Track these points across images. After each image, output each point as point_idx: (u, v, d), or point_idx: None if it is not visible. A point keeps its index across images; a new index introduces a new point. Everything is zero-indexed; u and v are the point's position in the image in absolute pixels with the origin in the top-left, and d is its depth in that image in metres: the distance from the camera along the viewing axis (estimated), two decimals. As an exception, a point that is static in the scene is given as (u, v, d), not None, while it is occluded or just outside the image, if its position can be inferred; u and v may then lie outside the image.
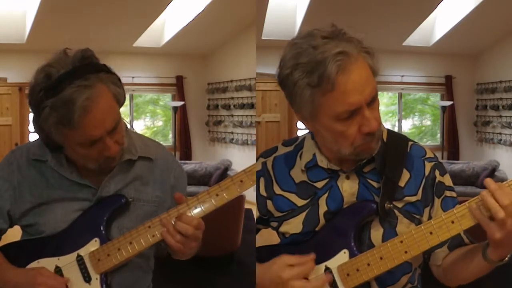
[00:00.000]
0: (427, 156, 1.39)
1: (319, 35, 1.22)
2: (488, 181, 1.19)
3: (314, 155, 1.39)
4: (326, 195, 1.37)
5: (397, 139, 1.39)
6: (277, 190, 1.42)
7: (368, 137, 1.26)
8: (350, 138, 1.26)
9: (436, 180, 1.37)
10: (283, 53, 1.26)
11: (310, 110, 1.24)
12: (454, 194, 1.39)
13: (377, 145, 1.32)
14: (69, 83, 1.26)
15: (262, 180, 1.44)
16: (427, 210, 1.36)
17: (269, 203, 1.43)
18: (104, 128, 1.32)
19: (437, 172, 1.38)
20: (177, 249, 1.35)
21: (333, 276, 1.31)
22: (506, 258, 1.23)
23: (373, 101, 1.24)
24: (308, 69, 1.20)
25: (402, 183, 1.35)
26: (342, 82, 1.19)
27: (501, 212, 1.16)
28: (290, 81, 1.23)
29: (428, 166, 1.38)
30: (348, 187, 1.36)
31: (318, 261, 1.33)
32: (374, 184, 1.35)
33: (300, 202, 1.39)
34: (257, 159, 1.45)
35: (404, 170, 1.36)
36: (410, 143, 1.40)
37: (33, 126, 1.35)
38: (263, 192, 1.44)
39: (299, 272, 1.29)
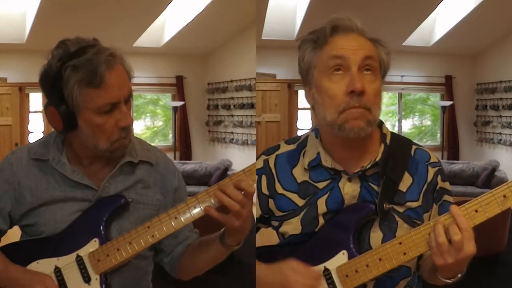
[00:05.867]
0: (431, 161, 1.39)
1: None
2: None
3: (318, 153, 1.38)
4: (326, 196, 1.36)
5: (400, 142, 1.39)
6: (279, 189, 1.41)
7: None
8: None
9: (438, 187, 1.37)
10: None
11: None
12: (451, 199, 1.39)
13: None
14: (89, 49, 1.33)
15: (264, 178, 1.43)
16: (426, 215, 1.36)
17: (271, 202, 1.42)
18: (122, 92, 1.36)
19: (439, 178, 1.38)
20: (237, 209, 1.31)
21: (331, 277, 1.31)
22: (459, 275, 1.26)
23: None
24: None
25: (404, 188, 1.35)
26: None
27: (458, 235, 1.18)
28: None
29: (431, 171, 1.37)
30: (350, 190, 1.35)
31: (317, 262, 1.33)
32: (376, 188, 1.34)
33: (301, 202, 1.38)
34: (257, 159, 1.44)
35: (407, 175, 1.35)
36: (414, 147, 1.39)
37: (49, 102, 1.37)
38: (265, 190, 1.43)
39: (305, 283, 1.29)
